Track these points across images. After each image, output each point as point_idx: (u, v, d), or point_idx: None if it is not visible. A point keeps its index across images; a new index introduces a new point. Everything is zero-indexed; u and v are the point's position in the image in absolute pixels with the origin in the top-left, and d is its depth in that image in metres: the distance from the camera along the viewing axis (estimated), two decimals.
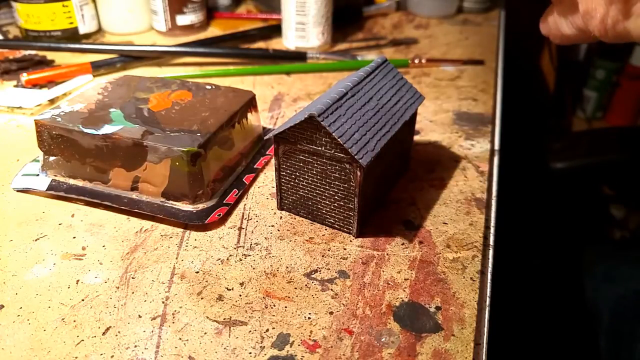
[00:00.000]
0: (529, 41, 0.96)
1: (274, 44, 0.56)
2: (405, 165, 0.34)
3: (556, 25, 0.26)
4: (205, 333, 0.23)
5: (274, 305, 0.24)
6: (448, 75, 0.49)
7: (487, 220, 0.30)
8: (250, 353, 0.22)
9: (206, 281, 0.25)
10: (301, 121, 0.25)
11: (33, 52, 0.53)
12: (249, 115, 0.34)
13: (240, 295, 0.25)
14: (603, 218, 0.70)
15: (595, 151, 0.75)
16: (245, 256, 0.27)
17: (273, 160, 0.29)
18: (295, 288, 0.25)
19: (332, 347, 0.22)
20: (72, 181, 0.32)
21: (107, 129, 0.29)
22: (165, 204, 0.30)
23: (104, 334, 0.23)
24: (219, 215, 0.29)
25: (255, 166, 0.34)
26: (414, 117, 0.33)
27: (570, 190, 0.77)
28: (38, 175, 0.32)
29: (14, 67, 0.48)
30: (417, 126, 0.39)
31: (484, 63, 0.51)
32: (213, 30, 0.60)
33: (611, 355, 0.49)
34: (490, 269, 0.27)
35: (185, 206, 0.30)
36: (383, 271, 0.26)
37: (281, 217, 0.30)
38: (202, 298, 0.24)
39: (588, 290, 0.54)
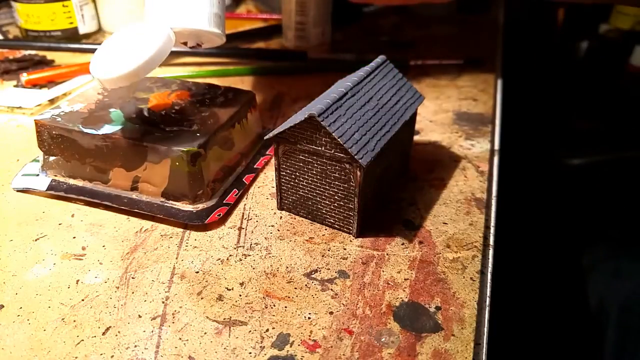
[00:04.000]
0: (529, 40, 0.95)
1: (274, 44, 0.56)
2: (405, 165, 0.34)
3: None
4: (205, 333, 0.23)
5: (274, 305, 0.24)
6: (448, 75, 0.49)
7: (487, 220, 0.30)
8: (250, 353, 0.22)
9: (206, 281, 0.25)
10: (301, 121, 0.25)
11: (33, 52, 0.53)
12: (249, 115, 0.34)
13: (240, 295, 0.25)
14: (608, 215, 0.70)
15: (607, 148, 0.75)
16: (245, 256, 0.27)
17: (273, 160, 0.29)
18: (295, 288, 0.25)
19: (332, 347, 0.22)
20: (72, 181, 0.32)
21: (107, 129, 0.29)
22: (165, 204, 0.30)
23: (104, 334, 0.23)
24: (219, 215, 0.29)
25: (255, 166, 0.34)
26: (414, 117, 0.33)
27: (575, 186, 0.77)
28: (38, 175, 0.32)
29: (14, 67, 0.48)
30: (417, 126, 0.39)
31: (484, 63, 0.51)
32: None
33: (618, 350, 0.49)
34: (490, 269, 0.27)
35: (185, 206, 0.30)
36: (383, 271, 0.26)
37: (281, 217, 0.30)
38: (202, 298, 0.24)
39: (594, 286, 0.54)
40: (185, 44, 0.32)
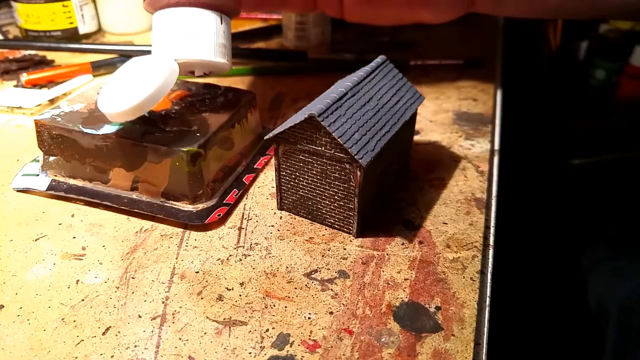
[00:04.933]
0: (529, 41, 0.96)
1: (274, 44, 0.57)
2: (405, 165, 0.34)
3: None
4: (205, 333, 0.23)
5: (274, 305, 0.24)
6: (448, 75, 0.49)
7: (487, 220, 0.30)
8: (250, 353, 0.22)
9: (206, 281, 0.25)
10: (301, 121, 0.25)
11: (33, 52, 0.53)
12: (249, 115, 0.34)
13: (240, 295, 0.25)
14: (608, 215, 0.70)
15: (607, 148, 0.75)
16: (245, 256, 0.27)
17: (273, 160, 0.29)
18: (295, 288, 0.25)
19: (332, 347, 0.22)
20: (72, 181, 0.32)
21: (107, 129, 0.29)
22: (165, 204, 0.30)
23: (104, 334, 0.23)
24: (219, 215, 0.29)
25: (255, 166, 0.34)
26: (414, 117, 0.33)
27: (575, 187, 0.77)
28: (38, 175, 0.32)
29: (14, 67, 0.48)
30: (417, 126, 0.39)
31: (483, 63, 0.51)
32: None
33: (618, 350, 0.49)
34: (490, 269, 0.27)
35: (185, 206, 0.30)
36: (383, 271, 0.26)
37: (281, 217, 0.30)
38: (202, 298, 0.24)
39: (594, 286, 0.54)
40: (192, 72, 0.32)
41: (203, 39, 0.30)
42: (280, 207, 0.30)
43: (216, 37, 0.31)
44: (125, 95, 0.27)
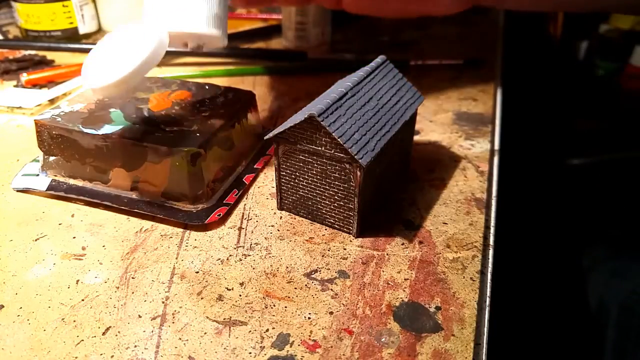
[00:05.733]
0: (529, 41, 0.96)
1: (274, 44, 0.57)
2: (405, 165, 0.34)
3: None
4: (205, 333, 0.23)
5: (274, 305, 0.24)
6: (448, 75, 0.49)
7: (487, 220, 0.30)
8: (250, 353, 0.22)
9: (206, 281, 0.25)
10: (301, 121, 0.25)
11: (33, 52, 0.53)
12: (249, 115, 0.34)
13: (240, 295, 0.25)
14: (608, 215, 0.70)
15: (607, 148, 0.75)
16: (245, 256, 0.27)
17: (273, 160, 0.29)
18: (295, 288, 0.25)
19: (332, 347, 0.22)
20: (72, 181, 0.32)
21: (107, 129, 0.29)
22: (165, 204, 0.30)
23: (104, 334, 0.23)
24: (219, 215, 0.29)
25: (255, 166, 0.34)
26: (414, 117, 0.33)
27: (575, 186, 0.77)
28: (38, 175, 0.32)
29: (14, 67, 0.48)
30: (417, 126, 0.39)
31: (484, 63, 0.51)
32: None
33: (618, 350, 0.49)
34: (490, 269, 0.27)
35: (185, 206, 0.30)
36: (383, 271, 0.26)
37: (281, 217, 0.30)
38: (202, 298, 0.24)
39: (594, 286, 0.54)
40: (186, 45, 0.31)
41: (197, 9, 0.28)
42: (280, 207, 0.30)
43: (210, 8, 0.29)
44: (109, 68, 0.25)
